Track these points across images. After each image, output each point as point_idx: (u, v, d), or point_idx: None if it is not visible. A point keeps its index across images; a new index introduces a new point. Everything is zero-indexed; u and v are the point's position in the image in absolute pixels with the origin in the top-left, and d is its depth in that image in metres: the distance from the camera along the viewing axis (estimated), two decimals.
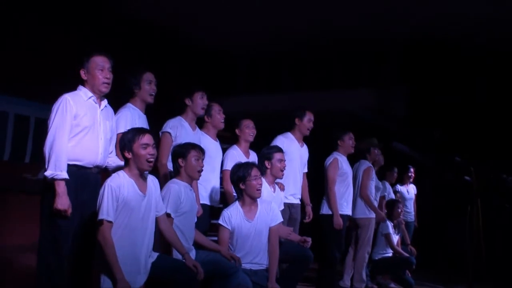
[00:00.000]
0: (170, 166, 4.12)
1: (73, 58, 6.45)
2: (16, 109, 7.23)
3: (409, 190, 7.45)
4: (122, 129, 3.77)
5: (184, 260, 3.42)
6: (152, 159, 3.30)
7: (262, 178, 4.19)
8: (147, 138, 3.29)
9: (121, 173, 3.30)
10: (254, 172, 4.09)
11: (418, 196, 7.54)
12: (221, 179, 4.72)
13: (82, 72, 3.43)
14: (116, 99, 3.80)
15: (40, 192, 3.35)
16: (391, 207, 6.50)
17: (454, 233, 8.05)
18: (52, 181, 3.17)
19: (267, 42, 8.01)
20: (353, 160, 5.88)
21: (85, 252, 3.39)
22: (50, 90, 6.69)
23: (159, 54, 8.05)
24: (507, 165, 6.35)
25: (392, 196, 7.01)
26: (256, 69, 8.82)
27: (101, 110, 3.49)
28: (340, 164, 5.49)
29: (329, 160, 5.54)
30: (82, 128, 3.32)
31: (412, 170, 7.41)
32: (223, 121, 4.64)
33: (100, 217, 3.16)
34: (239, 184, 4.09)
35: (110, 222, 3.17)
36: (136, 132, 3.32)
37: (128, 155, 3.27)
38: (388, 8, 6.71)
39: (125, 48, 7.30)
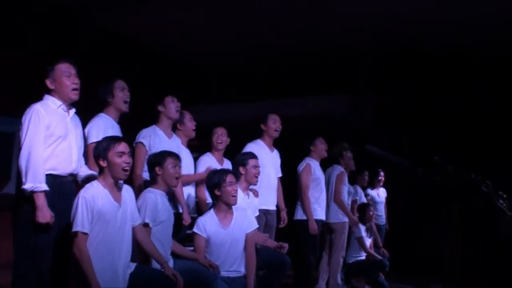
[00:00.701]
0: (145, 175, 4.08)
1: (33, 75, 6.44)
2: None
3: (380, 194, 7.53)
4: (94, 139, 3.72)
5: (163, 270, 3.37)
6: (127, 168, 3.25)
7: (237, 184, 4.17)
8: (122, 146, 3.24)
9: (95, 183, 3.24)
10: (229, 178, 4.07)
11: (389, 199, 7.62)
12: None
13: (48, 82, 3.35)
14: (86, 109, 3.72)
15: (11, 207, 3.25)
16: (363, 211, 6.57)
17: (427, 236, 8.22)
18: (30, 194, 3.08)
19: (240, 49, 7.99)
20: (325, 165, 5.92)
21: (62, 263, 3.31)
22: (9, 104, 6.63)
23: (131, 64, 7.95)
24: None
25: (364, 200, 7.07)
26: (228, 77, 8.79)
27: (70, 118, 3.43)
28: (312, 169, 5.53)
29: (302, 165, 5.57)
30: (56, 138, 3.27)
31: (382, 173, 7.49)
32: (194, 128, 4.63)
33: (75, 229, 3.09)
34: (214, 191, 4.07)
35: (85, 234, 3.11)
36: (111, 140, 3.28)
37: (103, 164, 3.21)
38: (360, 14, 6.76)
39: (96, 60, 7.18)
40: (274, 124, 5.15)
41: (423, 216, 8.41)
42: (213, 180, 4.09)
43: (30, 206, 3.11)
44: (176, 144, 4.35)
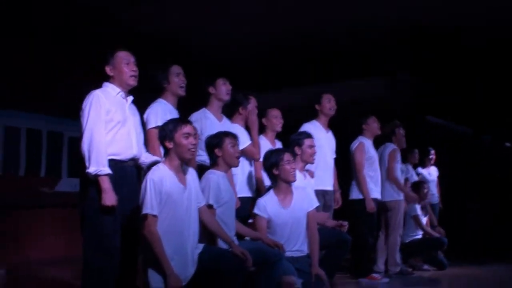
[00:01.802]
0: (198, 159, 4.07)
1: (80, 72, 6.52)
2: (27, 123, 7.20)
3: (431, 172, 7.39)
4: (153, 124, 3.74)
5: (230, 249, 3.35)
6: (194, 149, 3.27)
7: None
8: (188, 128, 3.26)
9: (161, 165, 3.26)
10: (287, 156, 4.04)
11: (442, 177, 7.47)
12: None
13: (108, 69, 3.40)
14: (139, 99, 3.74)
15: (79, 192, 3.30)
16: (418, 189, 6.45)
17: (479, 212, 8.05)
18: (95, 178, 3.11)
19: (277, 41, 7.95)
20: (377, 144, 5.83)
21: (129, 248, 3.34)
22: (59, 104, 6.76)
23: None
24: None
25: (415, 178, 6.96)
26: (267, 67, 8.76)
27: (128, 105, 3.46)
28: (366, 148, 5.48)
29: (355, 144, 5.51)
30: (115, 123, 3.29)
31: (432, 152, 7.36)
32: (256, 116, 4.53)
33: (145, 211, 3.10)
34: (272, 170, 4.04)
35: (155, 216, 3.12)
36: (177, 122, 3.30)
37: (170, 145, 3.22)
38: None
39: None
40: (328, 103, 5.12)
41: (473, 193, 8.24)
42: (271, 160, 4.07)
43: (95, 189, 3.14)
44: (226, 127, 4.32)
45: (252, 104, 4.50)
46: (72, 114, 5.96)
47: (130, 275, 3.38)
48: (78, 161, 3.28)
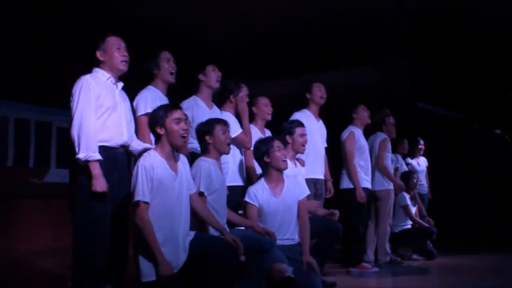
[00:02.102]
0: (190, 146, 4.05)
1: (68, 60, 6.45)
2: (16, 113, 7.13)
3: (420, 163, 7.43)
4: (142, 111, 3.72)
5: (222, 236, 3.34)
6: (185, 134, 3.25)
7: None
8: (179, 113, 3.24)
9: (152, 152, 3.23)
10: (277, 143, 4.04)
11: (431, 167, 7.50)
12: None
13: (98, 54, 3.38)
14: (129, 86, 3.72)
15: (69, 179, 3.27)
16: (407, 179, 6.49)
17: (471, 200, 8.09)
18: (85, 164, 3.08)
19: (269, 29, 7.91)
20: (367, 134, 5.84)
21: (120, 235, 3.33)
22: (47, 93, 6.69)
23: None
24: None
25: (405, 168, 7.01)
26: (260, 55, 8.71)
27: (119, 91, 3.44)
28: (356, 137, 5.48)
29: (345, 134, 5.51)
30: (105, 108, 3.27)
31: (421, 142, 7.39)
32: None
33: (136, 198, 3.08)
34: (263, 158, 4.03)
35: (147, 203, 3.10)
36: (167, 107, 3.28)
37: (161, 131, 3.20)
38: None
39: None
40: (319, 91, 5.11)
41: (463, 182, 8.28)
42: (261, 149, 4.05)
43: (85, 176, 3.12)
44: (216, 115, 4.28)
45: (243, 92, 4.46)
46: (61, 104, 5.94)
47: (120, 262, 3.36)
48: (67, 148, 3.25)
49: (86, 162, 3.09)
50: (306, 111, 5.13)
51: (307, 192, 4.19)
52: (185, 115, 3.32)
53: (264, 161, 4.04)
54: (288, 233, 4.04)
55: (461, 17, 6.92)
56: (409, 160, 7.32)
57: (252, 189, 4.06)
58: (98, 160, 3.11)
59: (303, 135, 4.49)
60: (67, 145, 3.26)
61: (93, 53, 3.40)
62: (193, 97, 4.30)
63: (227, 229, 3.65)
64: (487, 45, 7.47)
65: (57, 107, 6.93)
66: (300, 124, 4.54)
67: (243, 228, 3.87)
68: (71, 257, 3.22)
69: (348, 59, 7.98)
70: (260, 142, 4.13)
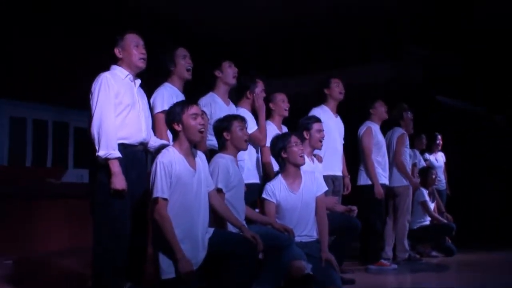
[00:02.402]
0: (208, 143, 4.04)
1: (85, 61, 6.48)
2: (33, 114, 7.20)
3: (438, 158, 7.34)
4: (159, 108, 3.72)
5: (241, 233, 3.33)
6: (203, 129, 3.25)
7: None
8: (195, 109, 3.24)
9: (171, 148, 3.23)
10: (294, 139, 4.03)
11: (449, 163, 7.42)
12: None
13: (117, 51, 3.39)
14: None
15: (89, 177, 3.28)
16: (425, 174, 6.43)
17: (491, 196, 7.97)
18: (105, 161, 3.09)
19: (275, 29, 7.89)
20: (385, 129, 5.79)
21: (139, 232, 3.33)
22: (64, 94, 6.74)
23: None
24: None
25: (423, 163, 6.93)
26: (269, 55, 8.70)
27: (137, 88, 3.44)
28: (374, 132, 5.44)
29: (363, 129, 5.47)
30: (124, 106, 3.27)
31: (439, 137, 7.31)
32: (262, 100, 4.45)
33: (155, 195, 3.08)
34: (280, 154, 4.01)
35: (166, 199, 3.10)
36: (183, 103, 3.28)
37: (178, 128, 3.20)
38: None
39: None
40: (337, 87, 5.07)
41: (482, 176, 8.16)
42: (278, 145, 4.04)
43: (105, 173, 3.13)
44: (233, 112, 4.26)
45: (260, 87, 4.44)
46: (78, 104, 5.97)
47: (139, 260, 3.37)
48: (85, 148, 3.27)
49: (106, 160, 3.09)
50: (324, 107, 5.09)
51: (325, 188, 4.17)
52: (202, 110, 3.31)
53: (282, 157, 4.02)
54: (306, 229, 4.02)
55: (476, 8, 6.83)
56: (427, 155, 7.24)
57: (269, 186, 4.04)
58: (117, 158, 3.11)
59: (320, 130, 4.46)
60: (86, 145, 3.28)
61: (109, 52, 3.41)
62: (210, 93, 4.29)
63: (246, 226, 3.65)
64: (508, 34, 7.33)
65: (74, 107, 6.98)
66: (317, 119, 4.51)
67: (261, 225, 3.85)
68: (90, 256, 3.24)
69: (365, 55, 7.93)
70: (277, 137, 4.12)
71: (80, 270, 4.82)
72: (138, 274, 3.39)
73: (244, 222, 3.67)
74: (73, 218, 6.65)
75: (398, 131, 5.84)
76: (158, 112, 3.71)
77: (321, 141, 4.48)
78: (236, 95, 4.48)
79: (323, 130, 4.49)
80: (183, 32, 7.51)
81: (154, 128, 3.66)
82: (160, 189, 3.07)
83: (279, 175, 4.10)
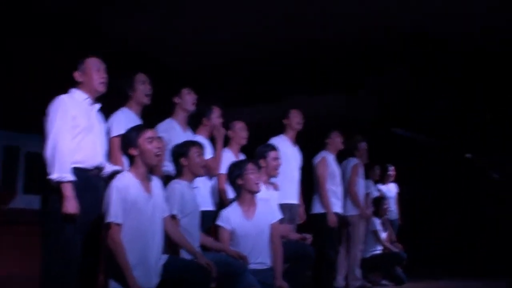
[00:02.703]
0: (164, 169, 4.02)
1: (38, 85, 6.36)
2: None
3: (390, 189, 7.49)
4: (115, 133, 3.68)
5: (195, 260, 3.32)
6: (159, 153, 3.24)
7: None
8: (151, 132, 3.24)
9: (126, 173, 3.20)
10: (251, 166, 4.06)
11: (402, 194, 7.60)
12: None
13: (77, 74, 3.36)
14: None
15: (42, 200, 3.21)
16: (378, 204, 6.56)
17: (442, 226, 8.18)
18: (57, 185, 3.03)
19: (233, 58, 7.99)
20: (340, 159, 5.90)
21: (91, 258, 3.26)
22: (16, 118, 6.56)
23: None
24: None
25: (376, 193, 7.05)
26: (227, 84, 8.78)
27: (95, 112, 3.41)
28: (328, 162, 5.53)
29: (318, 158, 5.56)
30: (81, 129, 3.23)
31: (391, 168, 7.48)
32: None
33: (109, 219, 3.04)
34: (236, 181, 4.03)
35: (119, 224, 3.06)
36: (139, 127, 3.28)
37: (135, 152, 3.18)
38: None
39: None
40: (296, 117, 5.17)
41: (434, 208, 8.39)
42: (235, 172, 4.06)
43: (57, 198, 3.06)
44: (190, 139, 4.29)
45: (216, 114, 4.49)
46: (30, 129, 5.83)
47: (90, 284, 3.29)
48: (38, 171, 3.20)
49: (59, 183, 3.04)
50: (283, 137, 5.17)
51: (279, 216, 4.20)
52: (157, 133, 3.31)
53: (238, 184, 4.04)
54: (260, 257, 4.02)
55: (429, 40, 7.11)
56: (379, 186, 7.39)
57: (224, 212, 4.05)
58: (71, 182, 3.06)
59: (276, 158, 4.51)
60: (37, 170, 3.21)
61: (63, 76, 3.39)
62: (169, 119, 4.30)
63: (201, 252, 3.63)
64: (461, 66, 7.64)
65: (26, 131, 6.81)
66: (273, 148, 4.57)
67: (215, 252, 3.84)
68: (36, 284, 3.14)
69: (321, 86, 8.10)
70: (235, 164, 4.14)
71: None
72: None
73: (199, 249, 3.65)
74: (21, 244, 6.45)
75: (353, 161, 5.97)
76: (114, 136, 3.66)
77: (277, 169, 4.53)
78: (193, 123, 4.50)
79: (280, 158, 4.54)
80: (141, 60, 7.50)
81: (108, 152, 3.62)
82: (114, 213, 3.03)
83: (235, 202, 4.11)
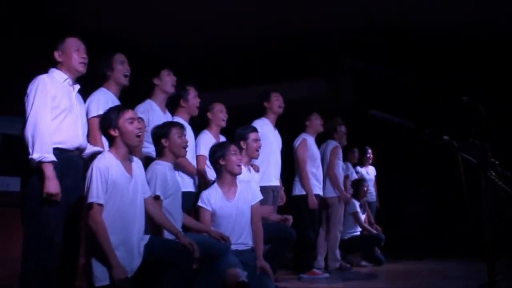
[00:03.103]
0: (145, 151, 4.00)
1: (14, 67, 6.23)
2: None
3: (369, 171, 7.59)
4: (94, 113, 3.64)
5: (177, 240, 3.32)
6: (140, 134, 3.24)
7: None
8: (131, 113, 3.23)
9: (107, 154, 3.18)
10: (233, 148, 4.07)
11: (378, 176, 7.69)
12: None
13: (56, 54, 3.32)
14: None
15: (22, 181, 3.17)
16: (357, 186, 6.62)
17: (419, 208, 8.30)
18: (38, 165, 3.00)
19: (214, 41, 7.93)
20: (319, 142, 5.94)
21: (71, 239, 3.25)
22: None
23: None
24: None
25: (355, 176, 7.13)
26: (207, 67, 8.72)
27: (75, 93, 3.37)
28: (308, 144, 5.56)
29: (298, 141, 5.59)
30: (61, 110, 3.19)
31: (370, 151, 7.56)
32: (198, 106, 4.52)
33: (90, 200, 3.02)
34: (218, 161, 4.03)
35: (101, 205, 3.05)
36: (118, 108, 3.26)
37: (115, 133, 3.15)
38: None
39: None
40: (277, 100, 5.17)
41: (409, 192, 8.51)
42: (217, 152, 4.06)
43: (38, 177, 3.03)
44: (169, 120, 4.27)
45: (192, 93, 4.47)
46: (5, 111, 5.73)
47: (71, 266, 3.28)
48: (15, 153, 3.15)
49: (40, 163, 3.00)
50: (264, 119, 5.18)
51: (260, 197, 4.22)
52: (136, 114, 3.28)
53: (219, 164, 4.04)
54: (241, 237, 4.05)
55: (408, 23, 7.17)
56: (358, 168, 7.47)
57: (205, 193, 4.05)
58: (52, 162, 3.02)
59: (257, 140, 4.52)
60: (14, 152, 3.16)
61: (42, 58, 3.34)
62: (148, 101, 4.27)
63: (182, 233, 3.63)
64: (438, 49, 7.72)
65: (2, 113, 6.70)
66: (253, 129, 4.57)
67: (197, 233, 3.85)
68: (17, 266, 3.11)
69: (300, 69, 8.11)
70: (217, 145, 4.15)
71: (7, 280, 4.62)
72: (69, 283, 3.29)
73: (181, 230, 3.65)
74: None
75: (332, 144, 6.01)
76: (93, 117, 3.62)
77: (257, 150, 4.53)
78: (171, 105, 4.47)
79: (260, 140, 4.55)
80: (119, 43, 7.40)
81: (88, 133, 3.58)
82: (96, 194, 3.01)
83: (215, 183, 4.12)
